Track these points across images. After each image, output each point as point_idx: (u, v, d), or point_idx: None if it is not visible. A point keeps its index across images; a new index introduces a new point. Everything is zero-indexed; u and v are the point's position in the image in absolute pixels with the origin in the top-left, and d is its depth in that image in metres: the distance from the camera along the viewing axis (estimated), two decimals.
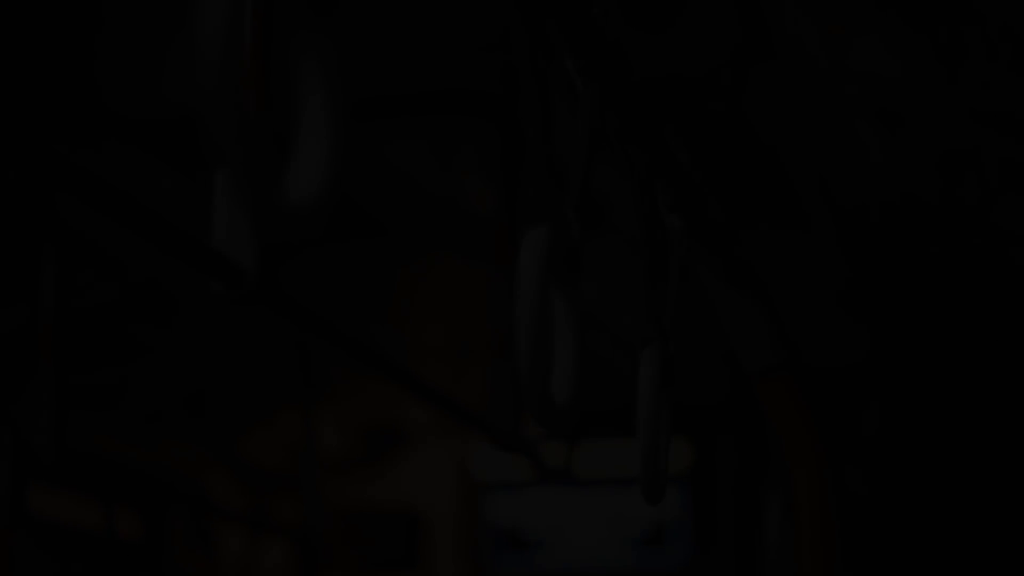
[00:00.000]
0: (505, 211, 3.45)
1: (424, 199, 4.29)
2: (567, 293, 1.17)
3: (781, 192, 4.11)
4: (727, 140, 3.60)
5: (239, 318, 5.16)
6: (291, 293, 2.08)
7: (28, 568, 5.16)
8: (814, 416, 1.83)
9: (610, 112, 1.33)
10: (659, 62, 3.29)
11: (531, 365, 1.06)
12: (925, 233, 4.11)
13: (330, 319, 2.53)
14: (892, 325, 4.97)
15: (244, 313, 4.76)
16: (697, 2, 3.11)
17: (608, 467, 7.00)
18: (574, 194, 1.18)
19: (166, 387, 5.78)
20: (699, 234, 1.67)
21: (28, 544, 5.08)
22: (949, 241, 4.14)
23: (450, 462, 7.30)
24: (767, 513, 3.21)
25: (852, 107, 3.22)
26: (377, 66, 3.42)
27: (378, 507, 7.34)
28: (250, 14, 1.70)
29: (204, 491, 6.58)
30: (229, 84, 0.78)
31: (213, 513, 6.28)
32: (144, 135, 3.76)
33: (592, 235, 4.29)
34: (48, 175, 1.65)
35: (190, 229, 1.90)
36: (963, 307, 4.82)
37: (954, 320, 4.88)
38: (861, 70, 3.01)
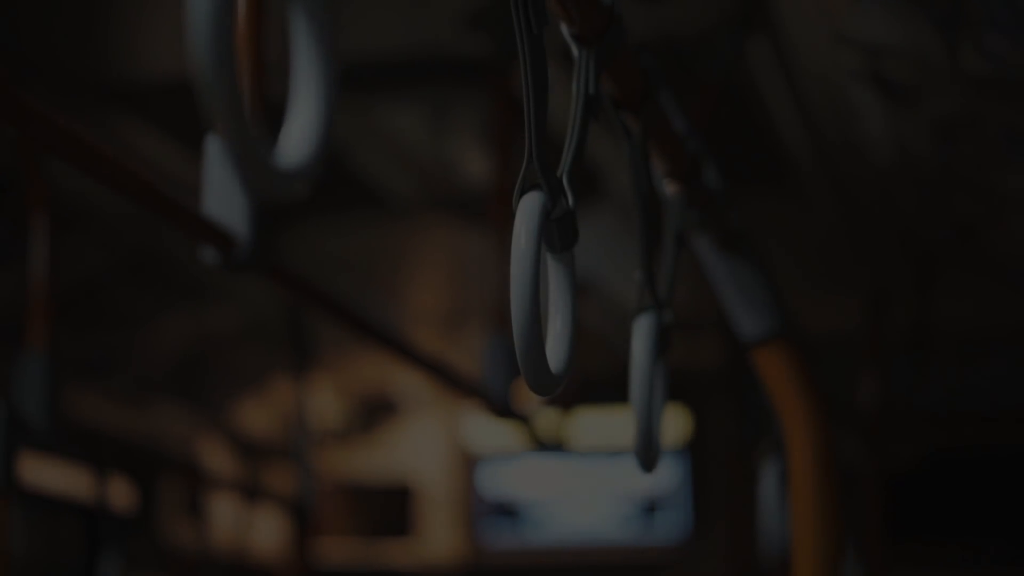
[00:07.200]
0: (498, 178, 3.44)
1: (417, 166, 4.28)
2: (561, 260, 1.16)
3: (777, 159, 4.10)
4: (724, 107, 3.59)
5: (231, 285, 5.15)
6: (283, 261, 2.07)
7: (22, 538, 5.16)
8: (810, 383, 1.82)
9: (605, 78, 1.32)
10: (656, 27, 3.27)
11: (526, 333, 1.05)
12: (922, 202, 4.11)
13: (322, 287, 2.52)
14: (887, 293, 4.96)
15: (236, 280, 4.74)
16: None
17: (603, 437, 7.00)
18: (568, 161, 1.17)
19: (157, 355, 5.77)
20: (695, 202, 1.67)
21: (21, 514, 5.08)
22: (946, 211, 4.13)
23: (444, 432, 7.31)
24: (763, 482, 3.21)
25: (850, 74, 3.21)
26: (370, 30, 3.40)
27: (371, 476, 7.34)
28: None
29: (196, 459, 6.58)
30: (222, 48, 0.76)
31: (205, 481, 6.27)
32: (129, 102, 3.75)
33: (587, 202, 4.27)
34: (39, 138, 1.64)
35: (182, 197, 1.89)
36: (957, 277, 4.81)
37: (948, 288, 4.88)
38: (859, 36, 2.99)
